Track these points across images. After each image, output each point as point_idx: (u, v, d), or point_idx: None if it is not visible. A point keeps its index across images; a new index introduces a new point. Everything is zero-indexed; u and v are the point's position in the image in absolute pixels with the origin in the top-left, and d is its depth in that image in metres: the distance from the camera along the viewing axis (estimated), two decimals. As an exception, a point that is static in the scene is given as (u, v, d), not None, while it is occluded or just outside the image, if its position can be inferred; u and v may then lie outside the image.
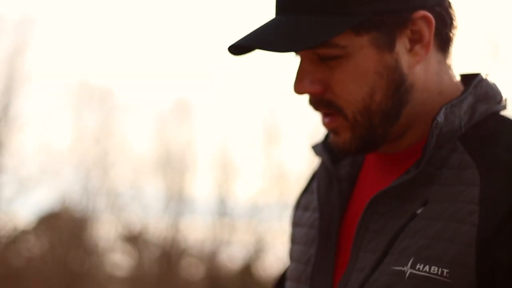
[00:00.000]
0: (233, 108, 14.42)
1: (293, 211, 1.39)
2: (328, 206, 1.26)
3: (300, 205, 1.37)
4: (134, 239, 9.94)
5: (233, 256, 10.51)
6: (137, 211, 10.25)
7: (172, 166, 10.50)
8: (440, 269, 1.10)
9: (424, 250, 1.12)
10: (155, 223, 10.26)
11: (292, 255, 1.33)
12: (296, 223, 1.36)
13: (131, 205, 10.19)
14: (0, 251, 8.62)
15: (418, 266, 1.12)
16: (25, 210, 12.34)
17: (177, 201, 10.46)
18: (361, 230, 1.19)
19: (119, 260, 10.08)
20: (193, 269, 10.41)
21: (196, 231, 10.56)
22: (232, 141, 11.07)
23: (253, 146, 11.01)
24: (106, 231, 9.70)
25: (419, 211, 1.15)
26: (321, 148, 1.29)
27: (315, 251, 1.25)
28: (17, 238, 8.79)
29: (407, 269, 1.13)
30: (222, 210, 10.57)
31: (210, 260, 10.18)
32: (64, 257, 8.55)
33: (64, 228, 8.84)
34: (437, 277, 1.10)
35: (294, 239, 1.34)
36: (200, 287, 10.07)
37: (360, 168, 1.28)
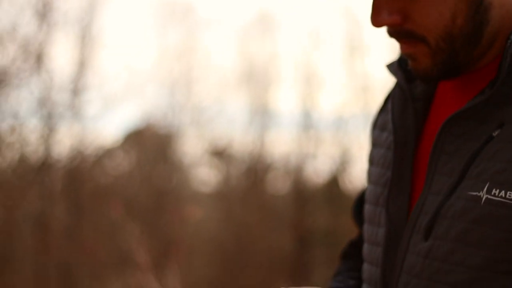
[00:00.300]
0: (316, 19, 14.18)
1: (371, 130, 1.39)
2: (403, 127, 1.25)
3: (377, 125, 1.36)
4: (219, 154, 9.98)
5: (318, 169, 10.47)
6: (222, 126, 10.27)
7: (256, 80, 10.43)
8: None
9: (500, 175, 1.11)
10: (240, 137, 10.28)
11: (370, 176, 1.33)
12: (374, 143, 1.36)
13: (215, 120, 10.20)
14: (87, 169, 8.77)
15: (494, 191, 1.11)
16: (110, 128, 12.53)
17: (262, 115, 10.42)
18: (436, 152, 1.18)
19: (205, 176, 10.16)
20: (279, 183, 10.42)
21: (281, 144, 10.54)
22: (315, 53, 10.90)
23: (337, 58, 10.84)
24: (191, 147, 9.75)
25: (495, 133, 1.13)
26: (396, 67, 1.28)
27: (391, 174, 1.25)
28: (103, 156, 8.92)
29: (483, 195, 1.12)
30: (307, 123, 10.48)
31: (296, 173, 10.16)
32: (150, 174, 8.64)
33: (149, 145, 8.92)
34: None
35: (372, 160, 1.34)
36: (286, 201, 10.09)
37: (436, 87, 1.26)
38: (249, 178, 9.99)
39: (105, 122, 12.41)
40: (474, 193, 1.13)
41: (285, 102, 12.75)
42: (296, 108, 10.68)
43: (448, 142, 1.17)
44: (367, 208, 1.32)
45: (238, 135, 10.38)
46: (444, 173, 1.18)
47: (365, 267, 1.30)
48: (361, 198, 1.43)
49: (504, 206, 1.09)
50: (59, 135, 9.01)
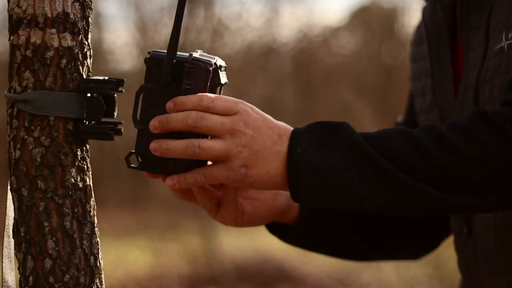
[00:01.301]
0: None
1: (410, 49, 1.49)
2: (434, 23, 1.35)
3: (414, 41, 1.47)
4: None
5: None
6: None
7: None
8: None
9: (510, 19, 1.21)
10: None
11: (416, 91, 1.43)
12: (413, 59, 1.46)
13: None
14: (313, 50, 8.70)
15: (510, 35, 1.21)
16: (335, 7, 12.35)
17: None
18: (464, 29, 1.29)
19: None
20: None
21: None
22: None
23: None
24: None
25: None
26: None
27: (429, 64, 1.35)
28: (329, 36, 8.80)
29: (504, 43, 1.22)
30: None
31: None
32: (377, 51, 8.43)
33: (375, 21, 8.66)
34: None
35: (413, 75, 1.45)
36: None
37: None
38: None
39: (330, 1, 12.24)
40: (498, 47, 1.22)
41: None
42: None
43: (471, 17, 1.28)
44: (417, 101, 1.43)
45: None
46: (474, 46, 1.28)
47: None
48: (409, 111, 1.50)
49: None
50: (284, 18, 8.97)
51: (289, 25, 8.96)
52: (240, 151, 1.20)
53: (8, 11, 1.22)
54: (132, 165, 1.25)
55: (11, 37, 1.21)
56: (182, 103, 1.21)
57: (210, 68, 1.23)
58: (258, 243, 6.40)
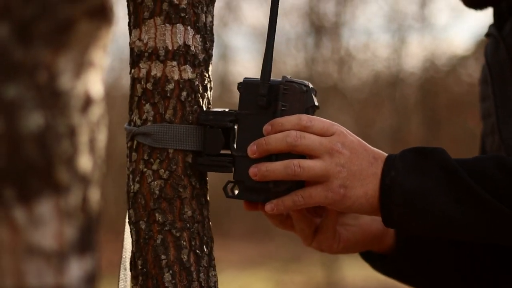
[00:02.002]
0: None
1: (478, 86, 1.49)
2: (497, 62, 1.36)
3: (480, 80, 1.47)
4: None
5: None
6: None
7: None
8: None
9: None
10: None
11: (485, 130, 1.43)
12: (481, 99, 1.46)
13: None
14: (440, 79, 8.56)
15: None
16: (461, 36, 12.12)
17: None
18: None
19: None
20: None
21: None
22: None
23: None
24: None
25: None
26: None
27: (493, 102, 1.36)
28: (456, 65, 8.65)
29: None
30: None
31: None
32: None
33: (505, 50, 8.46)
34: None
35: (482, 115, 1.45)
36: None
37: None
38: None
39: (456, 30, 12.03)
40: None
41: None
42: None
43: None
44: (487, 141, 1.42)
45: None
46: None
47: None
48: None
49: None
50: (411, 48, 8.88)
51: (415, 54, 8.85)
52: (339, 171, 1.19)
53: (130, 44, 1.22)
54: (231, 195, 1.24)
55: (132, 70, 1.22)
56: (281, 123, 1.20)
57: (305, 89, 1.22)
58: (382, 275, 6.27)
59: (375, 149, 1.23)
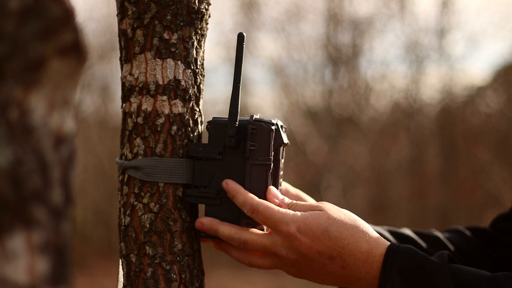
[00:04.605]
0: None
1: None
2: None
3: None
4: None
5: None
6: None
7: None
8: None
9: None
10: None
11: None
12: None
13: None
14: (458, 110, 8.53)
15: None
16: (478, 66, 12.08)
17: None
18: None
19: None
20: None
21: None
22: None
23: None
24: None
25: None
26: None
27: None
28: (473, 95, 8.62)
29: None
30: None
31: None
32: (525, 110, 8.17)
33: (522, 79, 8.42)
34: None
35: None
36: None
37: None
38: None
39: (473, 61, 12.00)
40: None
41: None
42: None
43: None
44: None
45: None
46: None
47: None
48: None
49: None
50: (428, 78, 8.86)
51: (433, 85, 8.83)
52: (288, 269, 1.17)
53: (121, 79, 1.24)
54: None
55: (123, 105, 1.23)
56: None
57: (273, 127, 1.22)
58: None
59: (338, 244, 1.14)
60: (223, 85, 10.18)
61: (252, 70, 9.83)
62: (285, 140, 1.25)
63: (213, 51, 9.64)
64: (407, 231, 1.42)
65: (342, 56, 9.24)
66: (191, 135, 1.23)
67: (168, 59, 1.21)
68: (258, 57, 9.70)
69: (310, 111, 9.07)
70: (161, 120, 1.21)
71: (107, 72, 9.48)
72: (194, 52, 1.23)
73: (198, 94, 1.24)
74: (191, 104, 1.23)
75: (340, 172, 7.97)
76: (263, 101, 9.92)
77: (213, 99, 9.56)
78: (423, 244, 1.41)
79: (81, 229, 8.14)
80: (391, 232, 1.42)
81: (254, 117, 1.22)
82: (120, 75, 1.24)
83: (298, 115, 9.23)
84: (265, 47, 9.61)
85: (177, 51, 1.21)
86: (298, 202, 1.18)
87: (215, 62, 9.84)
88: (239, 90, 1.22)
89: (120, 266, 1.21)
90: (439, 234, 1.44)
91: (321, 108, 9.22)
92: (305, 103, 9.18)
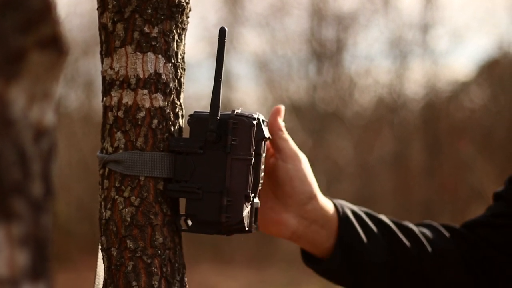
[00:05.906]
0: None
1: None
2: None
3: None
4: None
5: None
6: None
7: None
8: None
9: None
10: None
11: None
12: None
13: None
14: (441, 105, 8.57)
15: None
16: (462, 62, 12.14)
17: None
18: None
19: None
20: None
21: None
22: None
23: None
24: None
25: None
26: None
27: None
28: (457, 91, 8.65)
29: None
30: None
31: None
32: (508, 105, 8.21)
33: (504, 75, 8.47)
34: None
35: None
36: None
37: None
38: None
39: (457, 56, 12.04)
40: None
41: None
42: None
43: None
44: None
45: None
46: None
47: None
48: None
49: None
50: (412, 73, 8.89)
51: (417, 80, 8.87)
52: None
53: (102, 73, 1.24)
54: (184, 228, 1.24)
55: (104, 99, 1.24)
56: None
57: (254, 122, 1.22)
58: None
59: None
60: (207, 80, 10.19)
61: (236, 65, 9.84)
62: (267, 134, 1.25)
63: (197, 47, 9.64)
64: (385, 218, 1.44)
65: (326, 51, 9.26)
66: (172, 129, 1.23)
67: (149, 53, 1.21)
68: (242, 52, 9.70)
69: (294, 106, 9.09)
70: (142, 114, 1.21)
71: (91, 67, 9.48)
72: (175, 45, 1.23)
73: (179, 88, 1.25)
74: (172, 98, 1.23)
75: (324, 167, 8.00)
76: (247, 96, 9.93)
77: (197, 94, 9.56)
78: (400, 234, 1.43)
79: (65, 224, 8.14)
80: (368, 215, 1.43)
81: (236, 111, 1.22)
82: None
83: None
84: (249, 42, 9.62)
85: (157, 45, 1.21)
86: None
87: (199, 57, 9.84)
88: (220, 85, 1.23)
89: (100, 260, 1.22)
90: (414, 228, 1.46)
91: (305, 103, 9.24)
92: (289, 98, 9.19)
